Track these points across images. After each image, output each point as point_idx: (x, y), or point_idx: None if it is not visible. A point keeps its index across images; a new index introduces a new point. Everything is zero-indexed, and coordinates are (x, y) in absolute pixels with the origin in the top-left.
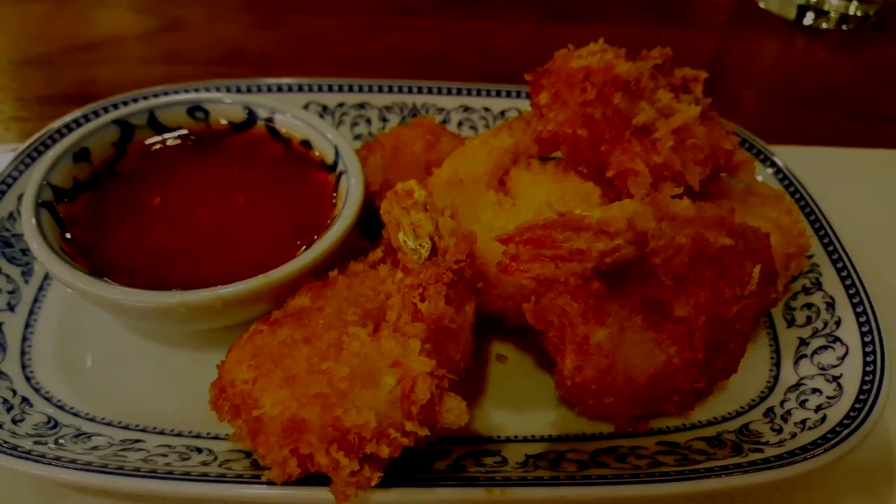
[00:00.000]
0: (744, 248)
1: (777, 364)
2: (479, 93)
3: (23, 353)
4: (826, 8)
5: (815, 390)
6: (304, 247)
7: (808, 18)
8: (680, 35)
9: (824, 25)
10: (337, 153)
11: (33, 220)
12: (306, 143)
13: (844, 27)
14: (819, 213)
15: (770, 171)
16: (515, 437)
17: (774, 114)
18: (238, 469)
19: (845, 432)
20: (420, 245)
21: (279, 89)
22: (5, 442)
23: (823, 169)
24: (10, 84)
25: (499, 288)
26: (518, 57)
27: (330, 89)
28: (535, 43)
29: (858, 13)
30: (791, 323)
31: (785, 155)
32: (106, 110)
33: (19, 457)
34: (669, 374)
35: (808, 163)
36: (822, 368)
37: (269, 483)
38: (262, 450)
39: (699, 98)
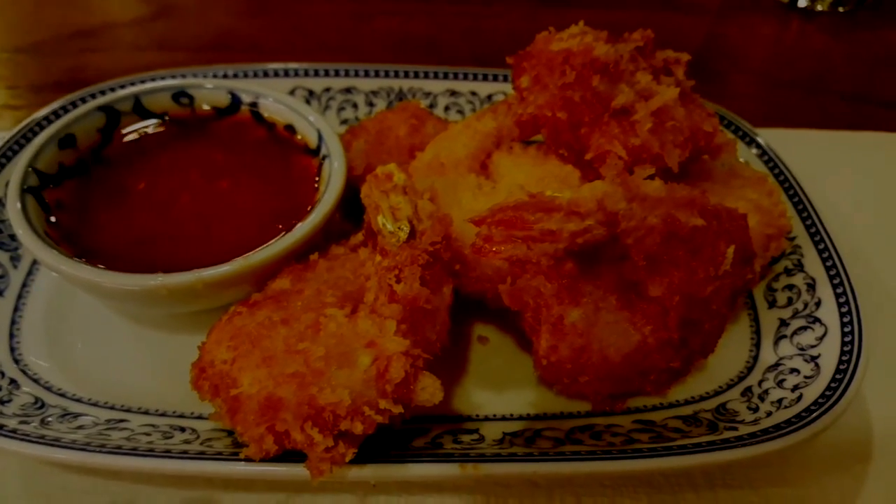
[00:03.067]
0: (717, 228)
1: (757, 345)
2: (465, 77)
3: (11, 336)
4: None
5: (793, 370)
6: (285, 230)
7: (803, 0)
8: (673, 18)
9: (819, 7)
10: (320, 137)
11: (18, 205)
12: (290, 128)
13: (840, 9)
14: (802, 195)
15: (754, 152)
16: (494, 415)
17: (768, 97)
18: (219, 447)
19: (819, 411)
20: (399, 228)
21: (265, 74)
22: None
23: (813, 151)
24: (3, 72)
25: (477, 270)
26: (510, 41)
27: (316, 74)
28: (527, 27)
29: None
30: (772, 304)
31: (774, 137)
32: (93, 97)
33: (5, 435)
34: (644, 354)
35: (797, 145)
36: (801, 349)
37: (247, 460)
38: (240, 427)
39: (681, 80)
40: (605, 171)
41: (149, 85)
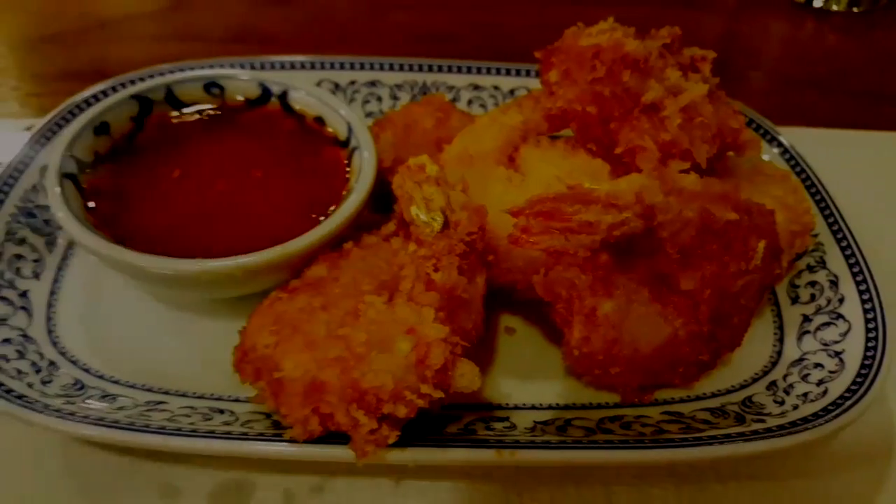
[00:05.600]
0: (749, 223)
1: (780, 339)
2: (488, 71)
3: (48, 318)
4: None
5: (817, 365)
6: (319, 219)
7: (819, 0)
8: (689, 16)
9: (835, 7)
10: (350, 129)
11: (58, 189)
12: (319, 120)
13: (855, 9)
14: (824, 193)
15: (776, 150)
16: (524, 404)
17: (783, 95)
18: (259, 429)
19: (846, 404)
20: (432, 218)
21: (292, 66)
22: (36, 401)
23: (831, 150)
24: (28, 61)
25: (508, 261)
26: (528, 35)
27: (342, 67)
28: (544, 21)
29: None
30: (795, 300)
31: (792, 136)
32: (123, 86)
33: (52, 414)
34: (675, 346)
35: (815, 144)
36: (825, 344)
37: (292, 441)
38: (284, 409)
39: (707, 77)
40: (641, 164)
41: (180, 75)
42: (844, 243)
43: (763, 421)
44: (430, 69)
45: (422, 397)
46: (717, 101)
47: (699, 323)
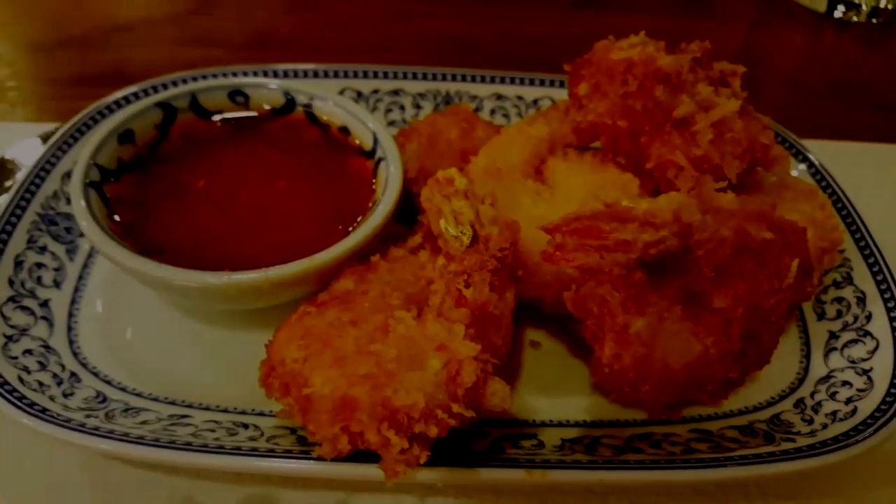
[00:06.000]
0: (782, 241)
1: (807, 356)
2: (512, 81)
3: (69, 329)
4: (857, 1)
5: (845, 383)
6: (346, 231)
7: (839, 11)
8: (708, 26)
9: (855, 18)
10: (375, 140)
11: (82, 202)
12: (344, 130)
13: (875, 21)
14: (851, 208)
15: (802, 166)
16: (550, 421)
17: (803, 107)
18: (286, 444)
19: (877, 424)
20: (461, 232)
21: (315, 74)
22: (59, 415)
23: (853, 164)
24: (45, 64)
25: (537, 276)
26: (551, 45)
27: (365, 75)
28: (567, 31)
29: (890, 6)
30: (821, 316)
31: (815, 149)
32: (147, 92)
33: (76, 430)
34: (705, 364)
35: (837, 157)
36: (852, 361)
37: (320, 459)
38: (312, 426)
39: (737, 92)
40: (679, 183)
41: (205, 83)
42: (871, 259)
43: (793, 440)
44: (454, 78)
45: (453, 417)
46: (747, 117)
47: (730, 341)
